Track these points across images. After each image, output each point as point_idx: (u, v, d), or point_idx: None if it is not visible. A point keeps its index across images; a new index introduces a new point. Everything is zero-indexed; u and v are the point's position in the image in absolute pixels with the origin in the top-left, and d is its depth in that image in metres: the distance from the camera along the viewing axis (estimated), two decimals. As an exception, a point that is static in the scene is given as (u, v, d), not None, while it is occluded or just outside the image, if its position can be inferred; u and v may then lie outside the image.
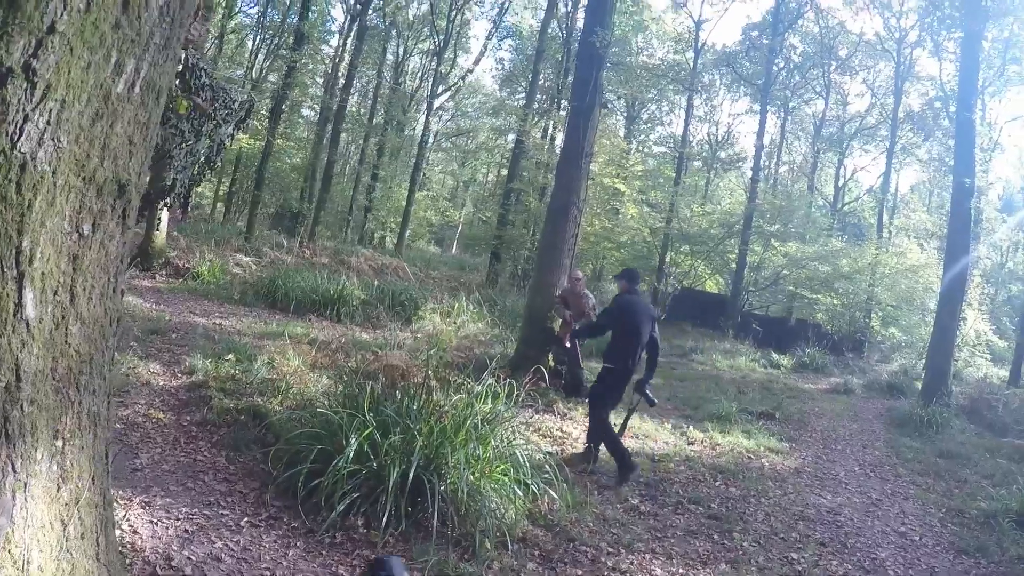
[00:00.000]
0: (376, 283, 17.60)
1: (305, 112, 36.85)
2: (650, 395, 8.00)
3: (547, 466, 6.50)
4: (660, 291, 27.67)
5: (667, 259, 28.53)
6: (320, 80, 32.69)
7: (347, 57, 30.19)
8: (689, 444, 9.70)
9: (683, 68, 32.01)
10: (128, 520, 4.77)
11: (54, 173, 1.23)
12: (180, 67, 8.27)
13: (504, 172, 36.59)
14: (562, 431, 9.21)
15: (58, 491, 1.33)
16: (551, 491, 6.17)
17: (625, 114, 38.12)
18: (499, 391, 6.77)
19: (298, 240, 23.60)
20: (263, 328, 12.14)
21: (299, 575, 4.60)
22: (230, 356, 8.92)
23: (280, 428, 6.28)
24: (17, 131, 1.18)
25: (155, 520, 4.89)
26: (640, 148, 37.99)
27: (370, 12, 29.99)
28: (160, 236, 16.11)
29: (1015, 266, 33.16)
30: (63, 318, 1.31)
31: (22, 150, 1.18)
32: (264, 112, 27.26)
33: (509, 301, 20.27)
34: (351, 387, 6.36)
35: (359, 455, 5.41)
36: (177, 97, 5.72)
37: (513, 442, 6.39)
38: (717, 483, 8.12)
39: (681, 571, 5.59)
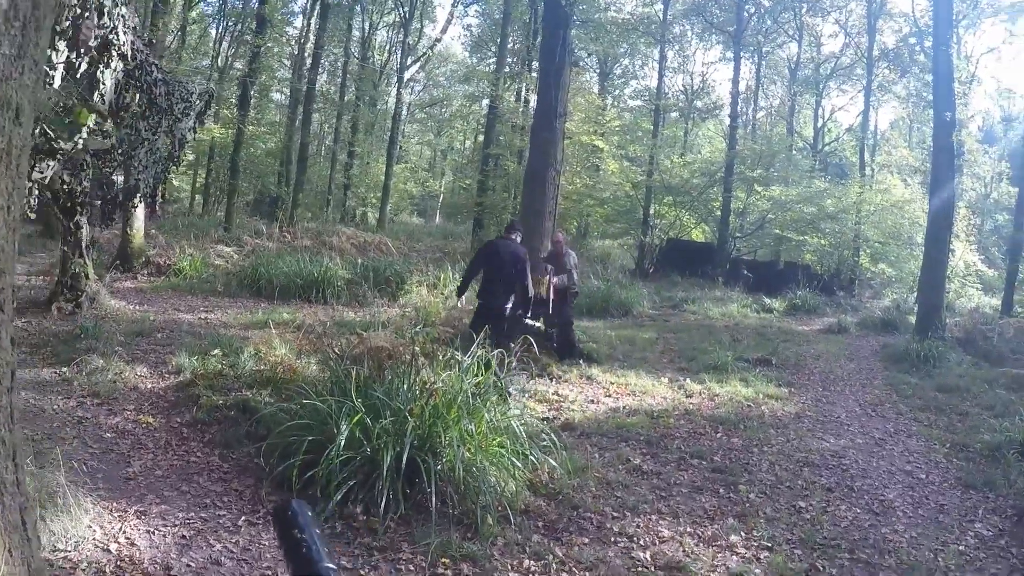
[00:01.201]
0: (360, 261, 17.41)
1: (275, 96, 36.51)
2: (529, 323, 8.93)
3: (544, 434, 6.43)
4: (647, 244, 27.61)
5: (651, 212, 28.44)
6: (288, 63, 32.26)
7: (312, 37, 29.74)
8: (687, 397, 9.64)
9: (653, 20, 31.55)
10: (124, 532, 4.69)
11: None
12: (120, 67, 8.13)
13: (481, 138, 36.25)
14: (558, 395, 9.13)
15: None
16: (550, 459, 6.10)
17: (598, 71, 37.73)
18: (490, 362, 6.67)
19: (278, 225, 23.34)
20: (249, 318, 12.00)
21: (301, 571, 4.52)
22: (216, 351, 8.79)
23: (271, 421, 6.16)
24: None
25: (152, 529, 4.81)
26: (616, 103, 37.66)
27: (332, -11, 29.56)
28: (137, 236, 15.89)
29: (999, 196, 32.98)
30: None
31: None
32: (232, 100, 26.92)
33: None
34: (337, 373, 6.24)
35: (351, 442, 5.30)
36: (78, 109, 5.58)
37: (508, 412, 6.29)
38: (718, 435, 8.06)
39: (688, 529, 5.53)
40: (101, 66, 7.11)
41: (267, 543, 4.79)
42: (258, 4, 25.69)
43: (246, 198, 32.59)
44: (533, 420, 6.90)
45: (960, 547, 5.62)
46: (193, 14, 30.74)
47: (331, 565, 1.08)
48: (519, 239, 9.79)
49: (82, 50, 6.56)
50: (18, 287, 11.85)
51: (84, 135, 7.33)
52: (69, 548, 4.34)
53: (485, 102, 33.84)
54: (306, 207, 31.50)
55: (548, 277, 11.01)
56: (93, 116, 7.34)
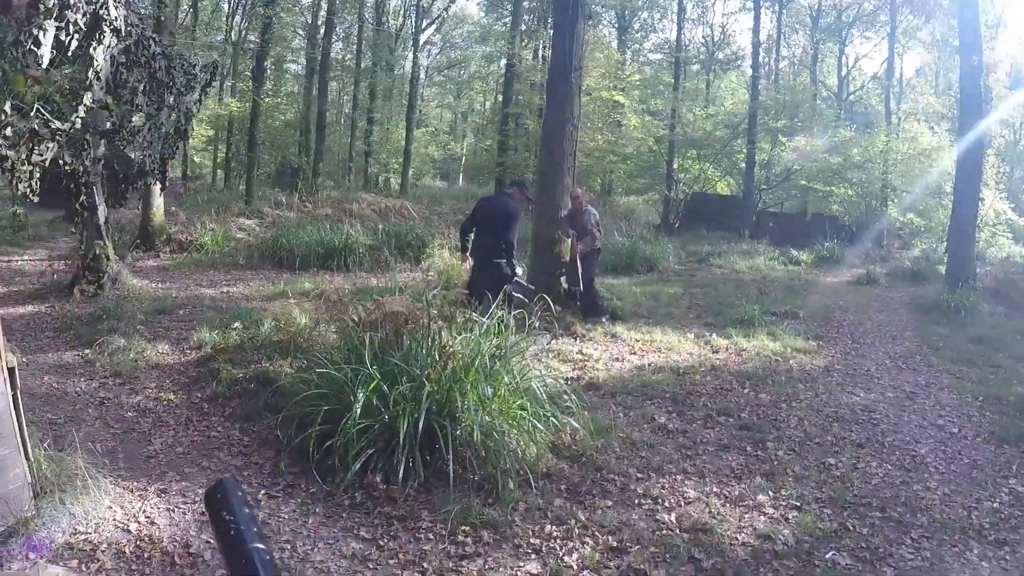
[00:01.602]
0: (380, 227, 17.30)
1: (292, 67, 36.35)
2: (518, 281, 9.15)
3: (566, 394, 6.33)
4: (671, 199, 27.30)
5: (675, 166, 28.07)
6: (302, 32, 32.06)
7: (324, 5, 29.50)
8: (714, 353, 9.47)
9: None
10: (144, 512, 4.67)
11: None
12: (114, 43, 8.01)
13: (500, 99, 35.89)
14: (582, 353, 9.01)
15: None
16: (573, 421, 6.00)
17: (616, 25, 37.14)
18: (510, 323, 6.56)
19: (298, 195, 23.29)
20: (270, 290, 11.99)
21: (321, 542, 4.49)
22: (236, 324, 8.76)
23: (289, 392, 6.09)
24: None
25: (172, 507, 4.79)
26: (635, 58, 37.07)
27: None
28: (158, 214, 15.89)
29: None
30: None
31: None
32: (247, 73, 26.83)
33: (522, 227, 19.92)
34: (352, 340, 6.15)
35: (368, 410, 5.23)
36: (12, 77, 5.47)
37: (528, 374, 6.17)
38: (746, 391, 7.92)
39: (715, 490, 5.42)
40: (93, 43, 6.98)
41: (286, 516, 4.76)
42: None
43: (267, 170, 32.60)
44: (556, 380, 6.78)
45: (994, 504, 5.46)
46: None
47: (260, 545, 0.99)
48: (521, 196, 9.78)
49: (71, 27, 6.43)
50: (40, 272, 11.95)
51: (81, 114, 7.26)
52: (90, 530, 4.33)
53: (503, 62, 33.52)
54: (328, 176, 31.47)
55: (572, 241, 10.87)
56: (89, 94, 7.26)
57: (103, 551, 4.16)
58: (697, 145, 27.11)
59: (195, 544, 4.32)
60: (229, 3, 33.26)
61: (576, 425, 5.98)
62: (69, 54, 6.65)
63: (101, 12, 7.26)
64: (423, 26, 35.60)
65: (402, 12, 39.11)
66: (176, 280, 12.94)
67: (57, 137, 7.15)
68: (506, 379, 5.86)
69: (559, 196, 11.24)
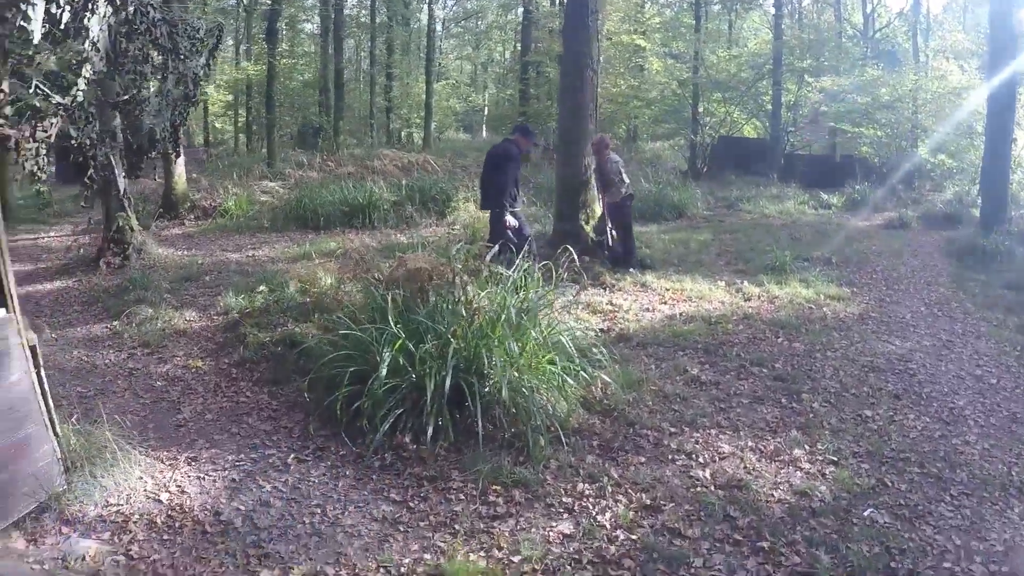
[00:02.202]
0: (404, 182, 17.13)
1: (308, 27, 36.00)
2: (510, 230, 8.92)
3: (595, 347, 6.23)
4: (698, 143, 26.86)
5: (700, 110, 27.52)
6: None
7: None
8: (746, 301, 9.30)
9: None
10: (175, 481, 4.68)
11: None
12: (109, 12, 7.86)
13: (519, 47, 35.34)
14: (611, 304, 8.86)
15: None
16: (603, 374, 5.91)
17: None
18: (536, 275, 6.45)
19: (320, 154, 23.19)
20: (295, 251, 11.94)
21: (351, 505, 4.47)
22: (262, 288, 8.75)
23: (316, 353, 6.04)
24: None
25: (202, 475, 4.79)
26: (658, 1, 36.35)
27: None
28: (180, 182, 15.89)
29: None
30: None
31: None
32: (261, 36, 26.66)
33: (542, 176, 19.71)
34: (376, 299, 6.07)
35: (395, 369, 5.17)
36: None
37: (557, 327, 6.07)
38: (779, 340, 7.77)
39: (750, 444, 5.33)
40: (88, 14, 6.85)
41: (315, 480, 4.74)
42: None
43: (288, 131, 32.53)
44: (585, 333, 6.68)
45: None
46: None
47: None
48: (526, 142, 9.72)
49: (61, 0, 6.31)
50: (66, 247, 12.00)
51: (82, 87, 7.17)
52: (121, 502, 4.34)
53: (520, 9, 33.02)
54: (349, 134, 31.36)
55: (601, 196, 10.70)
56: (88, 66, 7.16)
57: (135, 522, 4.16)
58: (722, 88, 26.57)
59: (225, 512, 4.32)
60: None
61: (607, 379, 5.89)
62: (63, 27, 6.51)
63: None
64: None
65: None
66: (201, 247, 12.95)
67: (59, 112, 7.06)
68: (534, 333, 5.77)
69: (583, 142, 11.02)
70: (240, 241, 13.57)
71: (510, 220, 8.96)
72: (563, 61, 12.11)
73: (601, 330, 7.71)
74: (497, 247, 7.70)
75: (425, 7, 36.19)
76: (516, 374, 5.27)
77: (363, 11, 36.81)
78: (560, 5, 30.14)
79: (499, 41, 46.67)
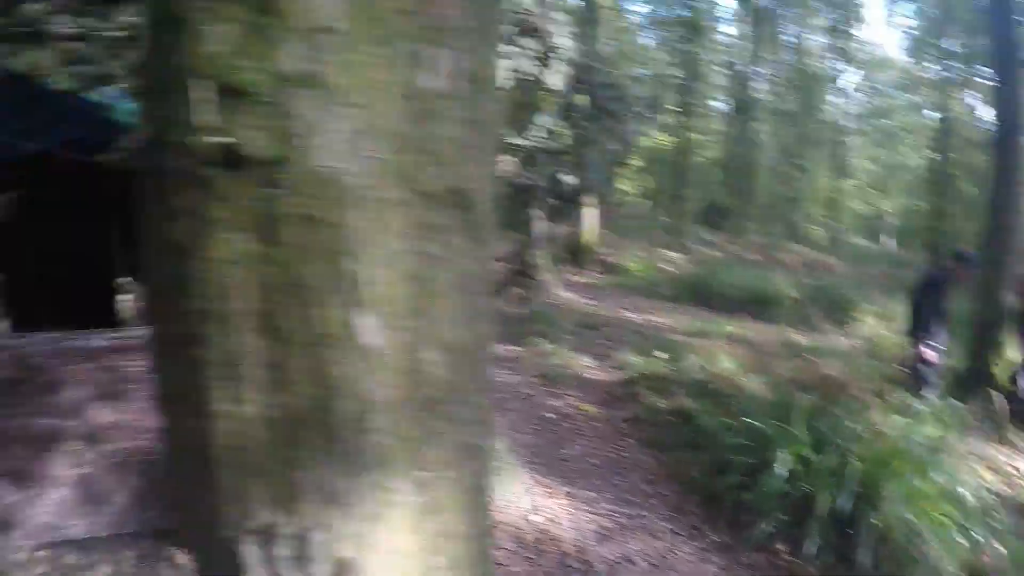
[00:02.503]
0: (807, 280, 16.81)
1: (717, 104, 36.60)
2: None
3: (994, 511, 5.66)
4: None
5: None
6: (725, 70, 32.43)
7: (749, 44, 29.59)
8: None
9: None
10: (550, 508, 4.95)
11: (369, 186, 1.11)
12: (564, 70, 8.62)
13: (929, 153, 33.02)
14: (1012, 466, 7.97)
15: (423, 522, 1.23)
16: (996, 543, 5.35)
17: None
18: (944, 414, 6.03)
19: (726, 235, 23.46)
20: (693, 326, 12.10)
21: (718, 593, 4.47)
22: (661, 354, 8.96)
23: (708, 432, 6.13)
24: (315, 145, 1.07)
25: (576, 510, 5.02)
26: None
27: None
28: (589, 233, 16.85)
29: None
30: (414, 344, 1.18)
31: (327, 165, 1.07)
32: (671, 106, 27.59)
33: (957, 306, 18.23)
34: (783, 396, 6.01)
35: (790, 474, 5.10)
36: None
37: (958, 477, 5.62)
38: None
39: None
40: (546, 68, 7.60)
41: (683, 555, 4.78)
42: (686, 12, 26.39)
43: (692, 205, 33.31)
44: (984, 492, 6.10)
45: None
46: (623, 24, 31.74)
47: None
48: (959, 268, 8.74)
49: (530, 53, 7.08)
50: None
51: (538, 134, 7.91)
52: (499, 508, 4.67)
53: (926, 111, 30.93)
54: (752, 219, 31.31)
55: (1021, 340, 9.71)
56: (543, 116, 7.91)
57: (504, 530, 4.48)
58: None
59: (591, 553, 4.49)
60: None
61: (1000, 548, 5.32)
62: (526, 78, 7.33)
63: (552, 42, 7.91)
64: (843, 69, 34.26)
65: (823, 55, 37.86)
66: (601, 299, 13.58)
67: (515, 152, 7.88)
68: (934, 476, 5.39)
69: (1003, 275, 10.04)
70: (638, 303, 14.00)
71: (927, 353, 8.35)
72: (995, 179, 11.07)
73: (995, 493, 6.97)
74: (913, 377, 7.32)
75: (835, 99, 35.36)
76: (911, 515, 4.97)
77: (773, 96, 36.81)
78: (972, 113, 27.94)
79: (908, 145, 43.85)
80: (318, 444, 1.11)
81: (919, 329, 8.32)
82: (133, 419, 4.27)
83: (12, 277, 6.27)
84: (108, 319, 6.59)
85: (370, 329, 1.11)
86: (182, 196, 1.08)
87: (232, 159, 1.04)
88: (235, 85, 1.02)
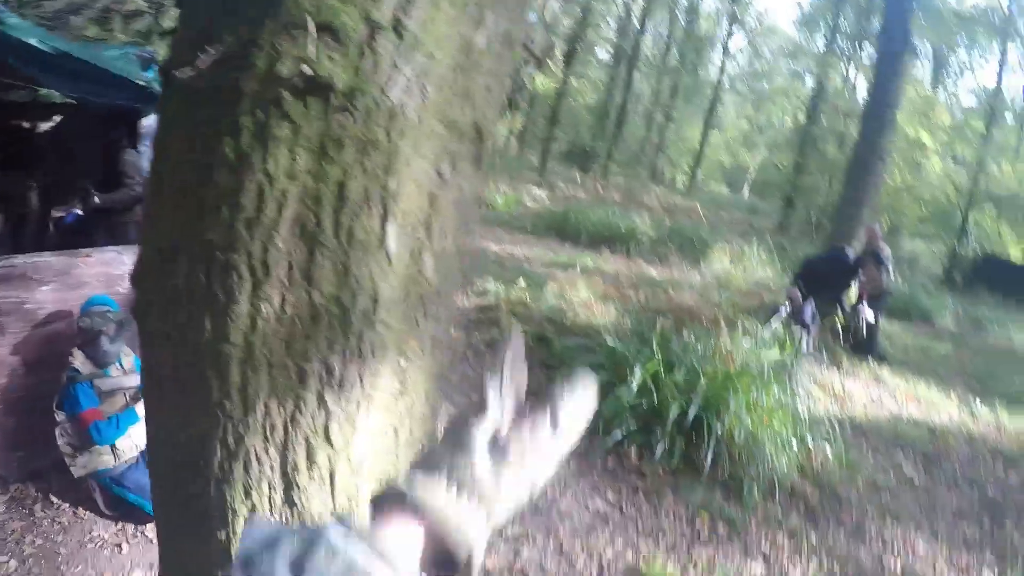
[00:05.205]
0: (667, 222, 17.73)
1: (601, 55, 37.29)
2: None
3: (826, 421, 6.52)
4: (959, 254, 25.56)
5: (969, 219, 26.23)
6: (613, 24, 32.98)
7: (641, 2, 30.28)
8: (973, 420, 9.09)
9: (996, 13, 28.68)
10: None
11: (420, 120, 1.28)
12: None
13: (801, 117, 34.95)
14: (843, 388, 8.98)
15: (395, 403, 1.41)
16: (826, 448, 6.20)
17: (931, 61, 34.98)
18: (785, 340, 6.80)
19: (591, 176, 24.22)
20: (552, 258, 12.71)
21: (569, 491, 5.07)
22: (521, 282, 9.42)
23: (564, 354, 6.68)
24: (388, 81, 1.23)
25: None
26: (950, 100, 34.82)
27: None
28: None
29: None
30: (419, 252, 1.35)
31: (392, 99, 1.23)
32: (559, 55, 27.98)
33: (801, 249, 19.64)
34: (640, 321, 6.57)
35: (641, 388, 5.72)
36: None
37: (794, 392, 6.44)
38: (997, 467, 7.62)
39: (944, 552, 5.46)
40: None
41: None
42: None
43: (560, 147, 33.85)
44: (815, 406, 6.96)
45: None
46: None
47: None
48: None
49: None
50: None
51: None
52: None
53: (808, 81, 32.73)
54: (618, 163, 32.21)
55: (861, 284, 10.79)
56: None
57: None
58: (999, 203, 25.25)
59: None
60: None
61: (828, 453, 6.18)
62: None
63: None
64: (733, 32, 35.50)
65: (715, 17, 39.10)
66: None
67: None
68: (776, 391, 6.15)
69: (855, 228, 11.12)
70: (501, 236, 14.56)
71: (791, 292, 9.49)
72: (856, 148, 12.22)
73: (827, 410, 7.92)
74: (781, 311, 8.19)
75: (716, 58, 36.69)
76: (751, 424, 5.71)
77: (655, 51, 37.79)
78: (851, 87, 29.71)
79: (780, 107, 46.12)
80: (332, 336, 1.30)
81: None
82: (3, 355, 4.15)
83: None
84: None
85: (392, 236, 1.29)
86: (254, 115, 1.22)
87: (313, 87, 1.20)
88: (332, 25, 1.20)
